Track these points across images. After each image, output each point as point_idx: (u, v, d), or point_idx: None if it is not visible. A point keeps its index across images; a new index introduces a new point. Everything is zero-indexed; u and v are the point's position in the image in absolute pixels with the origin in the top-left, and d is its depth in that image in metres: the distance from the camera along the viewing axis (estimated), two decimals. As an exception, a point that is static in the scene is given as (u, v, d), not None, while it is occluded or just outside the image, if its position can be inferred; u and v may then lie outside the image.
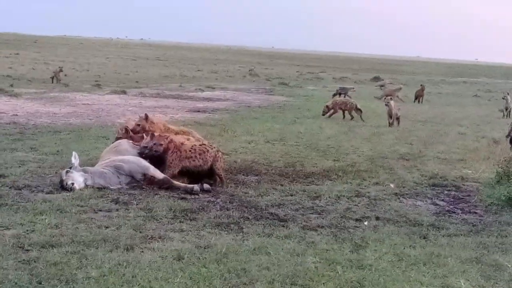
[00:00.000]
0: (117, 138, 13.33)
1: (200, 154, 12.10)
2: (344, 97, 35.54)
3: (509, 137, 18.70)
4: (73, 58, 73.23)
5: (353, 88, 41.49)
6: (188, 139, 12.67)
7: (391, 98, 23.78)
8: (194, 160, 12.09)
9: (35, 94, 29.66)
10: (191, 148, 12.12)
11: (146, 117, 13.43)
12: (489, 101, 44.34)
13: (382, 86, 39.40)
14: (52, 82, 37.38)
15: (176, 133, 13.20)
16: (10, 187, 10.91)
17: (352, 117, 26.15)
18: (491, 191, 12.32)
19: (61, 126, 19.61)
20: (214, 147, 12.43)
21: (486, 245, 8.94)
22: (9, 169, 12.28)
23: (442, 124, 26.01)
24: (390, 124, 23.59)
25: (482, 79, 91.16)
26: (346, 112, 26.43)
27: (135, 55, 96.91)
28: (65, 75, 41.40)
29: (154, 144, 12.02)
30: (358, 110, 26.31)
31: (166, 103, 29.47)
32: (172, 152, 11.96)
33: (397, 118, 23.86)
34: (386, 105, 24.00)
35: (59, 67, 40.25)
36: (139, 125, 13.39)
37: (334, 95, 37.58)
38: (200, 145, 12.30)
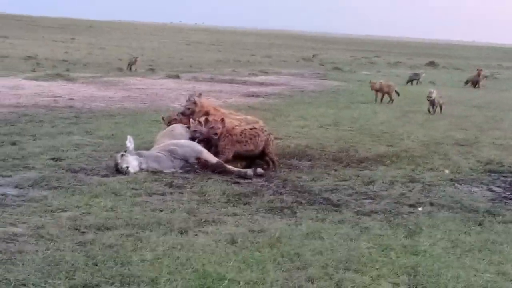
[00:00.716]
0: (169, 122, 13.39)
1: (251, 139, 12.11)
2: (417, 83, 35.72)
3: None
4: (127, 42, 73.81)
5: (423, 73, 41.37)
6: (238, 124, 12.64)
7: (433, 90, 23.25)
8: (245, 145, 12.10)
9: (91, 79, 29.97)
10: (242, 133, 12.11)
11: (195, 102, 13.41)
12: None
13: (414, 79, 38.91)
14: (130, 70, 37.24)
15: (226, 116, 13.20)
16: (67, 170, 11.04)
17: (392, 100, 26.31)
18: (549, 177, 12.14)
19: (116, 110, 19.80)
20: (266, 131, 12.41)
21: (543, 232, 8.81)
22: (65, 152, 12.44)
23: (498, 110, 25.68)
24: (431, 112, 23.21)
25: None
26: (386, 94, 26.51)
27: (189, 39, 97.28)
28: (120, 60, 41.70)
29: (211, 128, 12.06)
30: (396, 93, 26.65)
31: (220, 88, 29.55)
32: (224, 136, 11.98)
33: (440, 106, 23.47)
34: (428, 99, 23.40)
35: (135, 57, 39.95)
36: (189, 108, 13.40)
37: (408, 82, 37.68)
38: (251, 129, 12.28)
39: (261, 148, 12.15)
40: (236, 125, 12.32)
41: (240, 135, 12.07)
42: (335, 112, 21.95)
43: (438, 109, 23.33)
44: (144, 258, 6.94)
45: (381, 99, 26.52)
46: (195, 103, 13.36)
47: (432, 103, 23.13)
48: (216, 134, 12.01)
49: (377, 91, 26.67)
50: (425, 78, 40.26)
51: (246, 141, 12.08)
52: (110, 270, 6.57)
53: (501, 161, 13.99)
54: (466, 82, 39.13)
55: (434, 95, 22.92)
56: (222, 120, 12.20)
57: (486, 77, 40.14)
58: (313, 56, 67.14)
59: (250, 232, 8.14)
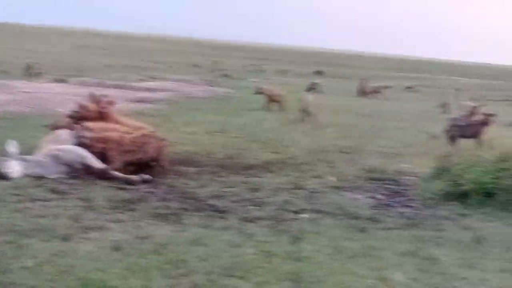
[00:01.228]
0: (56, 128, 13.15)
1: (141, 147, 12.02)
2: (315, 92, 36.34)
3: (447, 133, 19.00)
4: (13, 45, 72.09)
5: (323, 83, 42.00)
6: (128, 131, 12.52)
7: (306, 96, 23.30)
8: (136, 153, 12.01)
9: (-27, 81, 29.14)
10: (132, 141, 12.01)
11: (84, 106, 13.26)
12: (429, 96, 44.89)
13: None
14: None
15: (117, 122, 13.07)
16: None
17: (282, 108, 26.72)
18: (428, 185, 12.49)
19: (-1, 114, 19.31)
20: (157, 137, 12.34)
21: (422, 239, 9.04)
22: None
23: (382, 119, 26.26)
24: (300, 120, 22.79)
25: (424, 75, 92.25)
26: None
27: (77, 43, 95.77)
28: (5, 62, 40.70)
29: (80, 136, 11.93)
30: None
31: (108, 93, 28.97)
32: (112, 148, 11.82)
33: (310, 114, 23.07)
34: (303, 100, 23.29)
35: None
36: (77, 112, 13.20)
37: (307, 90, 38.22)
38: (141, 136, 12.20)
39: (152, 155, 12.08)
40: (126, 134, 12.17)
41: (130, 144, 11.96)
42: (223, 119, 21.98)
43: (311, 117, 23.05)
44: (25, 266, 6.79)
45: (270, 107, 26.74)
46: (84, 107, 13.19)
47: (304, 109, 22.91)
48: (83, 143, 11.87)
49: (269, 98, 26.96)
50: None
51: (137, 149, 11.98)
52: (-12, 278, 6.40)
53: (384, 169, 14.32)
54: (361, 93, 40.05)
55: (308, 101, 22.83)
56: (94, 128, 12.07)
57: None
58: (212, 63, 67.52)
59: (135, 238, 8.07)
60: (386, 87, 41.42)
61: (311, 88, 39.94)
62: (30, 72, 36.52)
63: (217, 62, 69.31)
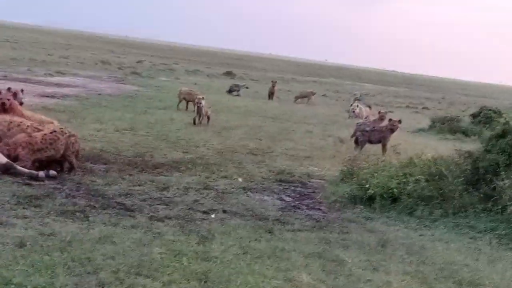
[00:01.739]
0: None
1: (51, 144, 11.78)
2: (238, 94, 36.34)
3: (354, 137, 19.30)
4: None
5: (245, 85, 41.81)
6: (35, 127, 12.30)
7: (202, 98, 22.76)
8: (45, 151, 11.77)
9: None
10: (42, 139, 11.76)
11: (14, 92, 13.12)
12: (336, 101, 45.52)
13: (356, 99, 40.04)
14: None
15: (26, 117, 12.84)
16: None
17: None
18: (335, 189, 12.69)
19: None
20: (66, 133, 12.11)
21: (329, 241, 9.18)
22: None
23: (291, 122, 26.49)
24: (195, 123, 21.99)
25: (331, 80, 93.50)
26: (191, 103, 26.57)
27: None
28: None
29: None
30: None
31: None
32: (23, 147, 11.55)
33: (208, 117, 22.58)
34: (198, 106, 22.32)
35: None
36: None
37: (229, 91, 38.21)
38: (51, 132, 11.95)
39: (61, 152, 11.87)
40: (34, 132, 11.91)
41: (41, 142, 11.71)
42: (132, 116, 21.79)
43: (205, 119, 22.60)
44: None
45: (186, 107, 26.61)
46: (15, 93, 13.03)
47: (199, 111, 22.31)
48: None
49: (183, 99, 26.85)
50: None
51: (47, 147, 11.74)
52: None
53: (292, 171, 14.46)
54: (269, 95, 40.24)
55: (202, 103, 22.30)
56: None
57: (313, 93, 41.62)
58: (137, 62, 67.31)
59: (40, 235, 7.93)
60: (313, 93, 41.69)
61: (233, 90, 40.02)
62: None
63: (135, 61, 68.82)
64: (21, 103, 13.54)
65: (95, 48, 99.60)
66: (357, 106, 27.50)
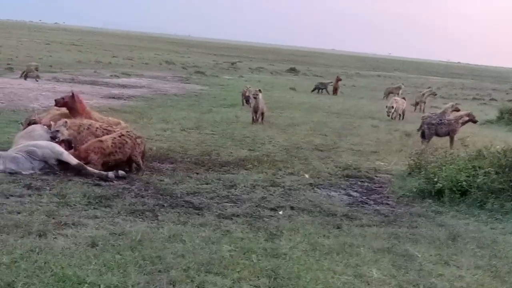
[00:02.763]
0: (29, 123, 13.13)
1: (120, 148, 11.93)
2: (322, 92, 36.32)
3: (421, 131, 19.10)
4: (-17, 40, 71.47)
5: (331, 82, 41.60)
6: (104, 129, 12.52)
7: (259, 91, 22.39)
8: (114, 155, 11.93)
9: None
10: (112, 143, 11.92)
11: (73, 95, 13.33)
12: (401, 95, 45.12)
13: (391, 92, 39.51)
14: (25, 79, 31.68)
15: (94, 119, 13.10)
16: None
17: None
18: (403, 183, 12.58)
19: (-29, 110, 19.14)
20: (133, 136, 12.25)
21: (398, 236, 9.10)
22: None
23: (356, 117, 26.35)
24: (254, 121, 21.62)
25: (396, 73, 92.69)
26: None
27: (49, 39, 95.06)
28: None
29: (56, 131, 11.96)
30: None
31: (81, 89, 28.92)
32: (95, 152, 11.72)
33: (262, 114, 22.00)
34: (254, 97, 22.08)
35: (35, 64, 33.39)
36: (63, 98, 13.31)
37: (313, 90, 38.19)
38: (119, 136, 12.10)
39: (128, 155, 12.02)
40: (105, 138, 12.07)
41: (112, 146, 11.87)
42: (197, 115, 21.96)
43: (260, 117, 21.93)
44: (1, 262, 6.75)
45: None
46: (72, 96, 13.26)
47: (255, 109, 21.82)
48: (57, 138, 11.88)
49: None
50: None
51: (116, 151, 11.90)
52: (-36, 274, 6.35)
53: (358, 167, 14.39)
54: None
55: (260, 96, 21.78)
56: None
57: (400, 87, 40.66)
58: (233, 64, 67.62)
59: (111, 234, 8.04)
60: (399, 88, 41.05)
61: (319, 88, 39.89)
62: (10, 68, 36.15)
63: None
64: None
65: (158, 48, 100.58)
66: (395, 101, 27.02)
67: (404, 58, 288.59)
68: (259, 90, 22.20)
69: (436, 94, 35.37)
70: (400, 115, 26.58)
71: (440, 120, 19.01)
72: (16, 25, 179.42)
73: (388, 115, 25.98)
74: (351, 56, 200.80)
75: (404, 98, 27.85)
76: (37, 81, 30.86)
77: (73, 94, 13.46)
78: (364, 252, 8.22)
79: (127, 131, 12.43)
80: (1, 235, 7.64)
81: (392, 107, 26.02)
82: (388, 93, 39.97)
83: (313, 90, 39.60)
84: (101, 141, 11.91)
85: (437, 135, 18.69)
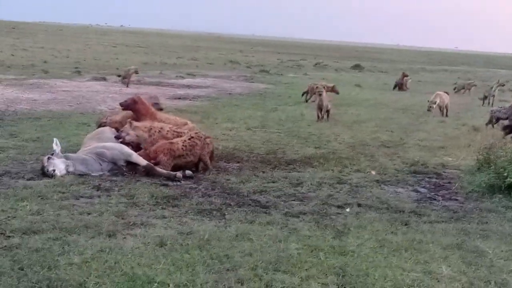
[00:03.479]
0: (99, 125, 13.38)
1: (190, 150, 12.03)
2: (398, 89, 36.18)
3: (504, 127, 18.84)
4: (52, 44, 72.68)
5: (474, 83, 41.23)
6: (175, 131, 12.67)
7: (324, 87, 22.18)
8: (185, 158, 12.04)
9: (15, 81, 29.38)
10: (183, 146, 12.03)
11: (134, 99, 13.64)
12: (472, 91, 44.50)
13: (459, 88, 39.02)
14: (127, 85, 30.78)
15: (160, 120, 13.27)
16: (-10, 174, 10.87)
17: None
18: (472, 178, 12.39)
19: (41, 113, 19.51)
20: (202, 136, 12.34)
21: (467, 232, 8.98)
22: (-11, 156, 12.24)
23: (422, 112, 26.05)
24: (319, 118, 21.48)
25: (462, 67, 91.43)
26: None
27: (115, 42, 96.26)
28: (44, 62, 40.97)
29: (122, 132, 12.22)
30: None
31: (147, 90, 29.31)
32: (164, 154, 11.86)
33: (327, 111, 21.82)
34: (319, 95, 21.66)
35: (134, 68, 32.32)
36: (127, 101, 13.61)
37: (394, 87, 38.13)
38: (189, 139, 12.19)
39: (198, 156, 12.12)
40: (175, 140, 12.20)
41: (182, 149, 11.98)
42: (262, 114, 22.01)
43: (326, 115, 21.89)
44: (72, 262, 6.87)
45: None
46: (134, 100, 13.49)
47: (320, 106, 21.54)
48: (121, 138, 12.10)
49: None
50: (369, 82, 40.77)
51: (187, 154, 12.01)
52: (37, 274, 6.50)
53: (426, 162, 14.24)
54: (397, 86, 39.46)
55: (324, 94, 21.69)
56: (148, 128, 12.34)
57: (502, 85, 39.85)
58: (316, 64, 67.86)
59: (179, 234, 8.13)
60: (474, 85, 40.51)
61: (396, 85, 39.61)
62: (78, 71, 36.74)
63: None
64: (160, 109, 14.03)
65: (222, 48, 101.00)
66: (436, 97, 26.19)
67: (471, 52, 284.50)
68: (323, 87, 22.15)
69: (504, 85, 34.66)
70: (444, 110, 25.66)
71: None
72: (83, 28, 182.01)
73: (429, 110, 25.08)
74: (416, 51, 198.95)
75: (447, 93, 26.88)
76: (127, 87, 30.23)
77: (134, 98, 13.68)
78: (433, 248, 8.14)
79: (196, 133, 12.52)
80: (72, 236, 7.79)
81: (435, 102, 25.18)
82: (461, 88, 39.51)
83: (394, 88, 39.16)
84: (171, 143, 12.04)
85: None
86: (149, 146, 12.11)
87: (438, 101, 25.01)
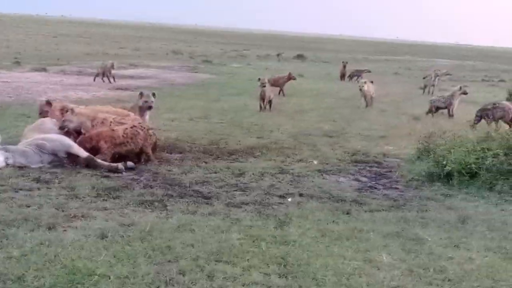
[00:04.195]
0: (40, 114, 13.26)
1: (132, 138, 11.96)
2: (357, 79, 36.02)
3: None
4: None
5: (368, 70, 41.22)
6: (118, 122, 12.56)
7: (268, 81, 22.10)
8: (126, 145, 11.95)
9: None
10: (124, 133, 11.95)
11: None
12: (409, 78, 44.96)
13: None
14: (103, 80, 29.86)
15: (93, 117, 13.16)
16: None
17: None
18: (412, 167, 12.56)
19: (-20, 104, 19.21)
20: (145, 127, 12.29)
21: (407, 220, 9.09)
22: None
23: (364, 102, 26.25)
24: (262, 109, 21.50)
25: (405, 57, 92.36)
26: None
27: (56, 32, 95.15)
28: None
29: (65, 120, 12.14)
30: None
31: (89, 81, 29.11)
32: (105, 141, 11.77)
33: (270, 101, 21.81)
34: (263, 86, 21.34)
35: (110, 62, 30.78)
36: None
37: (349, 77, 38.01)
38: (131, 127, 12.12)
39: (140, 146, 12.04)
40: (115, 126, 12.12)
41: (123, 136, 11.90)
42: (205, 104, 21.97)
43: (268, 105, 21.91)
44: (11, 256, 6.77)
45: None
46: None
47: (262, 97, 21.49)
48: (66, 128, 12.04)
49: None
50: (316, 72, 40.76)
51: (128, 142, 11.92)
52: (-26, 268, 6.38)
53: (367, 152, 14.39)
54: (341, 77, 39.52)
55: (267, 86, 21.57)
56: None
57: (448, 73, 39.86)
58: (278, 55, 67.07)
59: (120, 226, 8.07)
60: (368, 71, 40.84)
61: (353, 76, 39.60)
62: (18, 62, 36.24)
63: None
64: (149, 107, 13.96)
65: (165, 38, 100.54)
66: (365, 82, 25.66)
67: (412, 42, 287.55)
68: (268, 81, 22.11)
69: (450, 74, 34.83)
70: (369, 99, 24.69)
71: (494, 104, 19.45)
72: (23, 18, 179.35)
73: (361, 90, 24.28)
74: (359, 41, 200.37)
75: (372, 82, 26.10)
76: (114, 81, 29.54)
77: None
78: (373, 237, 8.23)
79: (139, 122, 12.46)
80: (11, 229, 7.67)
81: (364, 82, 24.48)
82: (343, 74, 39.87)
83: (350, 78, 39.24)
84: (113, 130, 11.95)
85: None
86: (91, 132, 11.99)
87: (365, 87, 23.92)
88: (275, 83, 26.97)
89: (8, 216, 8.16)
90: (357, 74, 39.79)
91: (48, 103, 13.37)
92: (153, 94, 14.18)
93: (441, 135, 13.47)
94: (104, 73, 29.88)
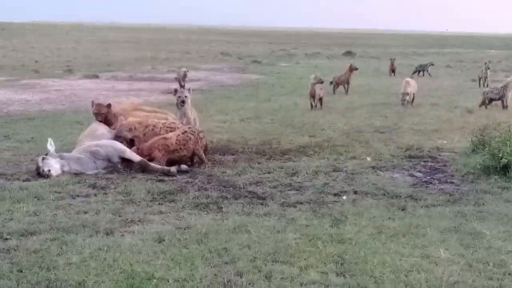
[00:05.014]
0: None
1: (184, 145, 12.06)
2: (423, 74, 35.64)
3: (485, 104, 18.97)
4: (42, 43, 72.53)
5: (432, 63, 40.75)
6: (168, 127, 12.67)
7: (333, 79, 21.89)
8: (179, 152, 12.06)
9: (6, 82, 29.36)
10: (176, 141, 12.05)
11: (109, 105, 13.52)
12: (461, 71, 44.42)
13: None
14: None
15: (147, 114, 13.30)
16: (-15, 177, 10.86)
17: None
18: (467, 160, 12.41)
19: (34, 113, 19.52)
20: (195, 131, 12.36)
21: (464, 214, 9.00)
22: (-17, 159, 12.23)
23: (416, 96, 26.04)
24: (313, 107, 21.25)
25: (453, 49, 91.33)
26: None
27: (105, 38, 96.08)
28: (36, 62, 40.78)
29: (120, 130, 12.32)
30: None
31: (139, 86, 29.34)
32: (159, 150, 11.87)
33: (320, 99, 21.53)
34: (320, 82, 21.24)
35: (184, 70, 30.48)
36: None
37: (414, 73, 37.63)
38: (182, 133, 12.21)
39: (192, 150, 12.13)
40: (168, 135, 12.22)
41: (176, 143, 12.00)
42: (255, 105, 22.01)
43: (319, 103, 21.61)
44: (70, 262, 6.87)
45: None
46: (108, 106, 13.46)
47: (312, 94, 21.18)
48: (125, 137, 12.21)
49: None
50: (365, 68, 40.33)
51: (180, 148, 12.03)
52: (36, 276, 6.50)
53: (421, 146, 14.26)
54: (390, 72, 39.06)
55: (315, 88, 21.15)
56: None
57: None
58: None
59: (177, 229, 8.13)
60: (431, 64, 40.07)
61: (419, 71, 39.14)
62: (70, 69, 36.60)
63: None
64: (183, 102, 14.10)
65: (213, 40, 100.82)
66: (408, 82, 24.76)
67: (462, 33, 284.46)
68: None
69: (489, 68, 34.19)
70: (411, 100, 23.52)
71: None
72: (73, 27, 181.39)
73: (403, 104, 22.65)
74: (407, 35, 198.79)
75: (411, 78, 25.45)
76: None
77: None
78: (430, 232, 8.16)
79: (189, 127, 12.55)
80: (70, 236, 7.79)
81: (407, 93, 22.96)
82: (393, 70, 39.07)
83: (413, 73, 38.72)
84: (165, 138, 12.05)
85: None
86: (142, 143, 12.10)
87: (409, 91, 23.52)
88: (339, 81, 27.14)
89: (67, 223, 8.28)
90: (422, 69, 39.18)
91: (109, 105, 13.44)
92: (188, 90, 14.22)
93: (495, 127, 13.29)
94: (179, 81, 29.19)
